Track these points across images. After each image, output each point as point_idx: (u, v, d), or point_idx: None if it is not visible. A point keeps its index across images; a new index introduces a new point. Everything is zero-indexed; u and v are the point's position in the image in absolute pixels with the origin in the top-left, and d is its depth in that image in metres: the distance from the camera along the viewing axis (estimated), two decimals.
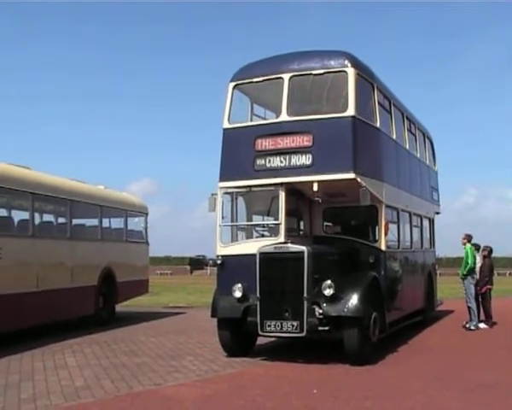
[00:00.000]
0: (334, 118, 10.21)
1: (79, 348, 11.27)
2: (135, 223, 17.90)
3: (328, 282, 9.36)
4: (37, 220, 13.08)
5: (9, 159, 12.31)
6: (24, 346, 11.19)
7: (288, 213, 10.51)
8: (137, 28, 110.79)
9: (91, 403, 7.22)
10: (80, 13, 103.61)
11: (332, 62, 10.46)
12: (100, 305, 14.99)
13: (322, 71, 10.42)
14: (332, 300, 9.34)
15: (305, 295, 9.43)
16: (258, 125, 11.18)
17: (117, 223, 16.73)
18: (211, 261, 30.99)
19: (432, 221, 16.33)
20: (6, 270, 11.20)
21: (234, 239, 11.12)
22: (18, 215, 12.87)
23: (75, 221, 14.53)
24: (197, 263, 70.95)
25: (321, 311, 9.32)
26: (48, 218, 14.48)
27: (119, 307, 16.64)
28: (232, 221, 11.09)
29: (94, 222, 15.56)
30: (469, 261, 14.10)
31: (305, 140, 10.16)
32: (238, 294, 9.98)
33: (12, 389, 7.85)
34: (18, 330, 11.99)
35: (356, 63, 10.41)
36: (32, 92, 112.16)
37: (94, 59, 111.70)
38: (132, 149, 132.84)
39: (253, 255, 9.83)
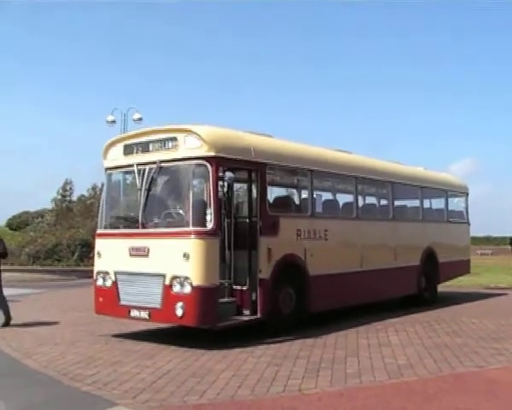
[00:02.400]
0: None
1: (402, 327, 10.97)
2: (455, 203, 17.08)
3: None
4: (360, 203, 13.02)
5: (331, 144, 12.46)
6: (349, 324, 11.22)
7: None
8: None
9: (414, 381, 6.96)
10: None
11: None
12: (422, 285, 14.49)
13: None
14: None
15: None
16: None
17: (438, 203, 16.10)
18: None
19: None
20: (332, 250, 11.34)
21: None
22: (342, 198, 12.99)
23: (397, 203, 14.24)
24: None
25: None
26: (370, 200, 14.40)
27: (440, 288, 15.96)
28: None
29: (415, 203, 15.14)
30: None
31: None
32: None
33: (339, 364, 7.84)
34: (343, 308, 12.09)
35: None
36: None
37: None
38: (455, 131, 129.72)
39: None
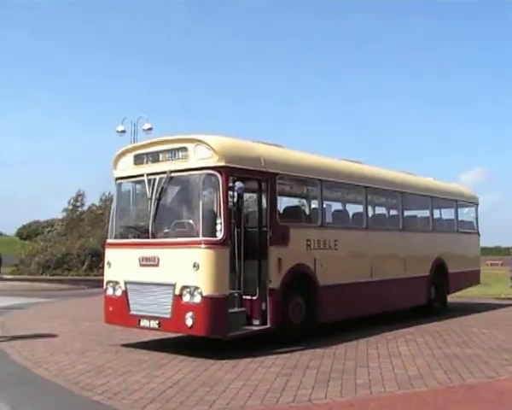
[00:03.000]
0: None
1: (412, 338, 10.91)
2: (465, 213, 17.02)
3: None
4: (370, 213, 13.04)
5: (342, 154, 12.44)
6: (358, 334, 11.17)
7: None
8: None
9: (424, 392, 6.90)
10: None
11: None
12: (432, 295, 14.44)
13: None
14: None
15: None
16: None
17: (447, 214, 16.05)
18: None
19: None
20: (341, 261, 11.29)
21: None
22: (352, 208, 12.98)
23: (406, 213, 14.21)
24: None
25: None
26: (380, 210, 14.41)
27: (450, 298, 15.90)
28: None
29: (425, 213, 15.11)
30: None
31: None
32: None
33: (349, 375, 7.79)
34: (353, 318, 12.05)
35: None
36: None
37: None
38: (465, 141, 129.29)
39: None
